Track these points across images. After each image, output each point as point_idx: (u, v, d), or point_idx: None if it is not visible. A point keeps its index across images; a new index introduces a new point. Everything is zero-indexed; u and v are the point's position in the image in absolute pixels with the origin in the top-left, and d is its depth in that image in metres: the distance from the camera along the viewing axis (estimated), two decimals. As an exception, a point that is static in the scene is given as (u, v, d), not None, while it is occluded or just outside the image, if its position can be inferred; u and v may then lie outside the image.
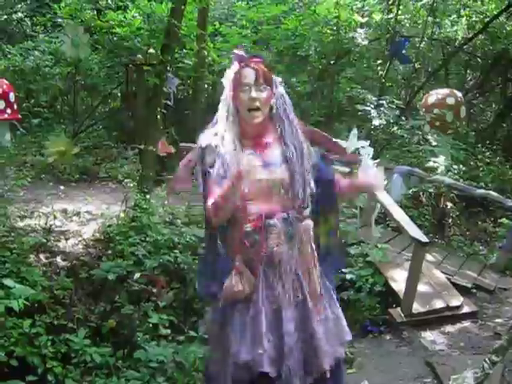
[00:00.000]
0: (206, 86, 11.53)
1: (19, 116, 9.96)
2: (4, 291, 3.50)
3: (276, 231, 2.45)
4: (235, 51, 2.59)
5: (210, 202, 2.41)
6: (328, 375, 2.47)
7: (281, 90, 2.60)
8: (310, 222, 2.55)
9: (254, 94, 2.45)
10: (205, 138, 2.53)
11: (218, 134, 2.50)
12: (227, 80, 2.57)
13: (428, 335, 4.99)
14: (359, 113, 9.61)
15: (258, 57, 2.60)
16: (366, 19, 11.15)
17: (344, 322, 2.63)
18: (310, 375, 2.46)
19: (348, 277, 5.45)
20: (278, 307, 2.44)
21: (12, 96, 9.66)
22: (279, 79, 2.63)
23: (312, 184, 2.54)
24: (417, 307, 5.17)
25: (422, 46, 11.85)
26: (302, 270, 2.51)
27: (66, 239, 4.95)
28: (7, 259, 4.01)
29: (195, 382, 3.71)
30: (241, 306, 2.45)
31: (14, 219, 4.97)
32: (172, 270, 4.81)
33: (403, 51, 10.69)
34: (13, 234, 4.60)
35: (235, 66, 2.56)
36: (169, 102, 8.16)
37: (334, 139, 3.14)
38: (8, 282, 3.58)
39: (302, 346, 2.45)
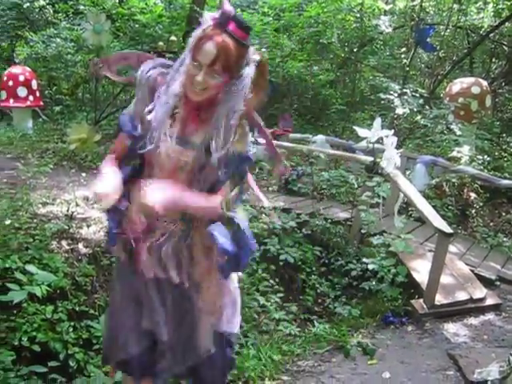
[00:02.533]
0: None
1: (41, 103, 10.07)
2: (27, 277, 3.51)
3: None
4: (224, 4, 2.06)
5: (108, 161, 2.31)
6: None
7: (250, 70, 2.11)
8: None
9: (199, 77, 2.03)
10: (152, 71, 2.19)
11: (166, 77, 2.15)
12: (193, 37, 2.09)
13: (451, 327, 4.93)
14: (382, 101, 9.51)
15: (241, 26, 2.05)
16: (390, 6, 11.05)
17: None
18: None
19: (370, 267, 5.40)
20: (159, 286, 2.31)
21: (34, 83, 9.75)
22: (256, 56, 2.14)
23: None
24: (440, 299, 5.11)
25: (446, 33, 11.71)
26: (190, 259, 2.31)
27: (88, 226, 4.95)
28: (30, 246, 4.02)
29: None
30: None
31: (37, 206, 4.98)
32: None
33: (427, 39, 10.56)
34: (35, 221, 4.61)
35: (210, 21, 2.06)
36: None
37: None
38: (31, 268, 3.59)
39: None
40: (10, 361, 3.10)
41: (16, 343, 3.21)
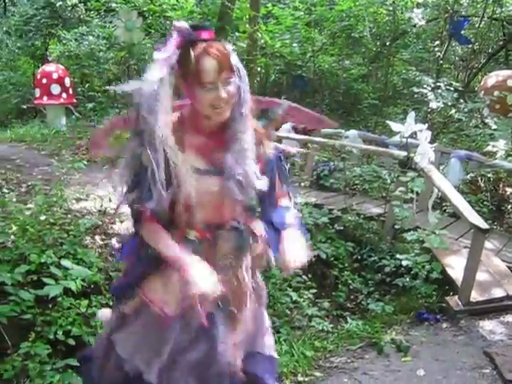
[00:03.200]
0: (258, 68, 11.47)
1: (74, 100, 10.21)
2: (62, 272, 3.55)
3: (225, 242, 2.13)
4: (175, 23, 1.94)
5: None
6: None
7: (236, 60, 2.00)
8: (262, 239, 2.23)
9: (223, 93, 1.92)
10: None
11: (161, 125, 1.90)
12: (167, 62, 1.92)
13: (487, 324, 4.83)
14: (415, 95, 9.40)
15: (209, 28, 1.96)
16: (423, -1, 10.88)
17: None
18: None
19: (404, 263, 5.34)
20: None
21: (67, 81, 9.88)
22: (230, 46, 2.02)
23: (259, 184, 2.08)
24: (475, 296, 5.02)
25: (481, 25, 11.48)
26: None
27: (121, 221, 5.00)
28: (64, 241, 4.06)
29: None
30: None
31: (71, 202, 5.04)
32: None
33: (462, 31, 10.42)
34: (69, 216, 4.67)
35: (175, 46, 1.93)
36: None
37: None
38: (66, 263, 3.63)
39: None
40: (45, 354, 3.14)
41: (51, 337, 3.25)
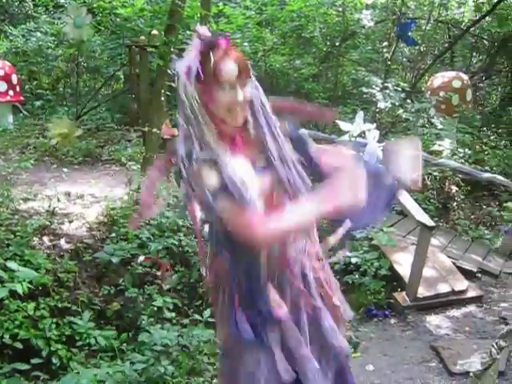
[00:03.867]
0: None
1: (22, 98, 9.97)
2: (8, 274, 3.48)
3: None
4: (198, 29, 1.99)
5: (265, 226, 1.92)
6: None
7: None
8: None
9: (240, 96, 1.95)
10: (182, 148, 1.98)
11: (197, 141, 1.95)
12: (190, 67, 1.96)
13: (433, 319, 4.98)
14: (364, 95, 9.53)
15: (227, 37, 2.01)
16: (371, 1, 11.04)
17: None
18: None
19: (353, 260, 5.43)
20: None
21: (14, 78, 9.65)
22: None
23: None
24: (422, 291, 5.15)
25: (428, 28, 11.76)
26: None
27: (70, 222, 4.93)
28: (11, 242, 3.99)
29: (200, 365, 3.71)
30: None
31: (18, 202, 4.95)
32: (176, 253, 4.78)
33: (409, 33, 10.61)
34: (16, 217, 4.58)
35: (197, 49, 1.97)
36: (173, 84, 8.09)
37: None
38: (12, 264, 3.56)
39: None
40: (-9, 358, 3.08)
41: (-2, 341, 3.19)
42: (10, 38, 12.05)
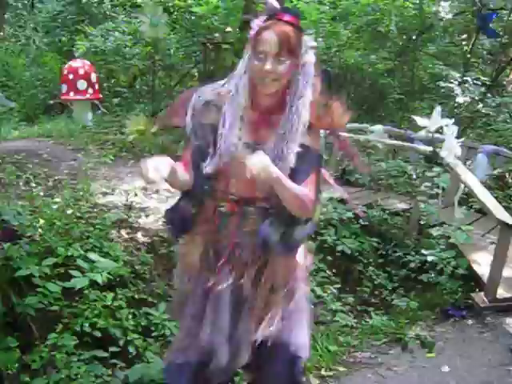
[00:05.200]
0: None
1: (100, 95, 10.29)
2: (88, 265, 3.59)
3: (251, 220, 2.20)
4: (268, 1, 2.08)
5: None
6: None
7: (310, 57, 2.12)
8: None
9: (268, 66, 2.01)
10: (208, 93, 2.18)
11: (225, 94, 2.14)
12: (250, 37, 2.11)
13: (513, 321, 4.79)
14: (442, 90, 9.31)
15: (293, 14, 2.08)
16: (450, -8, 10.73)
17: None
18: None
19: (429, 259, 5.31)
20: (240, 301, 2.24)
21: (93, 76, 9.96)
22: (312, 42, 2.14)
23: None
24: (502, 292, 4.96)
25: (510, 19, 11.28)
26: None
27: (146, 216, 5.03)
28: (91, 234, 4.11)
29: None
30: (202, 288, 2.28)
31: (97, 196, 5.10)
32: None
33: (490, 25, 10.24)
34: (95, 210, 4.72)
35: (260, 21, 2.08)
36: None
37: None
38: (92, 255, 3.68)
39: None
40: (72, 345, 3.18)
41: (78, 329, 3.30)
42: (90, 37, 12.45)
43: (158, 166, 1.98)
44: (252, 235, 2.18)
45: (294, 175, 2.10)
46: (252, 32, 2.08)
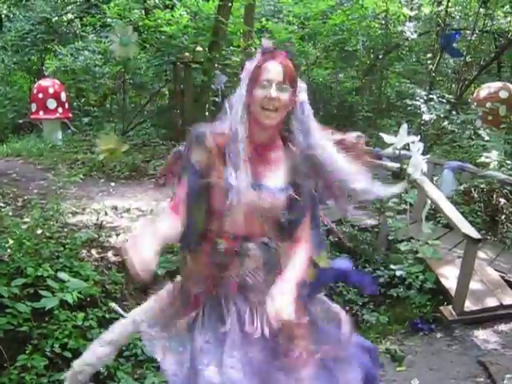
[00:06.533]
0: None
1: (70, 115, 10.26)
2: (59, 285, 3.58)
3: (253, 257, 2.14)
4: (264, 41, 2.16)
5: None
6: None
7: (304, 96, 2.18)
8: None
9: (274, 92, 2.02)
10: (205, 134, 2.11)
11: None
12: (246, 72, 2.11)
13: (480, 334, 4.87)
14: (408, 108, 9.47)
15: (287, 53, 2.15)
16: (415, 12, 11.00)
17: None
18: None
19: (398, 273, 5.38)
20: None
21: (63, 95, 9.94)
22: (303, 85, 2.20)
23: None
24: (469, 305, 5.06)
25: (473, 38, 11.59)
26: None
27: (117, 235, 5.03)
28: (61, 254, 4.10)
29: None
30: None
31: (67, 215, 5.08)
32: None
33: (454, 44, 10.51)
34: (66, 230, 4.70)
35: (258, 58, 2.11)
36: (217, 99, 8.21)
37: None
38: (62, 275, 3.66)
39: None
40: (42, 367, 3.16)
41: (48, 350, 3.28)
42: (59, 56, 12.42)
43: (144, 258, 1.86)
44: (256, 273, 2.15)
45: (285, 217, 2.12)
46: (252, 64, 2.10)
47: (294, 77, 2.09)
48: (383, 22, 10.74)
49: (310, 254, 2.18)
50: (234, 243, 2.12)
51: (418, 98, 9.20)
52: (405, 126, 5.80)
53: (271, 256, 2.15)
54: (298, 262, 2.13)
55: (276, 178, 2.10)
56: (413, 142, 5.63)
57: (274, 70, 2.05)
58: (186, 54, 9.43)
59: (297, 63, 2.14)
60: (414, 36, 10.67)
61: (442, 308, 5.13)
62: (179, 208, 2.13)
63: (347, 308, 5.50)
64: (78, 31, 14.31)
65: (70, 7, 14.45)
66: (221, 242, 2.13)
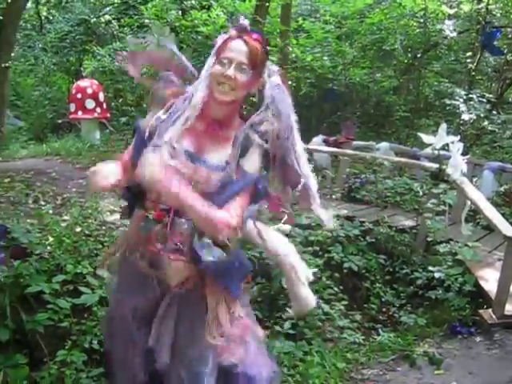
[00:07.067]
0: (289, 82, 11.51)
1: (108, 114, 10.38)
2: (98, 281, 3.62)
3: (179, 231, 2.08)
4: (241, 18, 2.11)
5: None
6: None
7: (276, 79, 2.10)
8: None
9: (230, 71, 1.99)
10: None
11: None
12: (215, 46, 2.11)
13: (522, 338, 4.77)
14: (447, 107, 9.34)
15: (260, 35, 2.10)
16: (454, 10, 10.83)
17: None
18: None
19: (436, 275, 5.29)
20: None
21: (101, 95, 10.07)
22: (276, 68, 2.15)
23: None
24: (510, 309, 4.94)
25: (514, 36, 11.38)
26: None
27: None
28: (99, 252, 4.14)
29: (280, 377, 3.71)
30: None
31: (105, 213, 5.12)
32: (257, 265, 4.82)
33: (494, 42, 10.30)
34: (104, 228, 4.75)
35: (228, 34, 2.09)
36: (254, 99, 8.20)
37: None
38: (101, 272, 3.70)
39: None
40: (81, 362, 3.19)
41: (87, 345, 3.31)
42: (98, 57, 12.59)
43: (108, 174, 2.06)
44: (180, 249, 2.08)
45: (218, 194, 2.01)
46: (219, 40, 2.10)
47: (259, 59, 2.04)
48: (422, 20, 10.60)
49: (225, 221, 1.97)
50: (164, 214, 2.08)
51: (457, 98, 9.07)
52: (444, 126, 5.72)
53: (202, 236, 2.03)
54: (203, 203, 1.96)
55: (219, 155, 2.04)
56: (452, 142, 5.55)
57: (238, 49, 2.02)
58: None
59: (267, 48, 2.10)
60: (454, 34, 10.51)
61: (481, 311, 5.03)
62: (125, 163, 2.24)
63: (384, 309, 5.47)
64: (115, 32, 14.47)
65: (107, 8, 14.63)
66: (151, 212, 2.11)
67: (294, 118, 2.09)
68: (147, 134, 2.11)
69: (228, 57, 2.01)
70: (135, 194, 2.15)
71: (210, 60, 2.09)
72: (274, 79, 2.10)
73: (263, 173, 2.10)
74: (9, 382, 3.11)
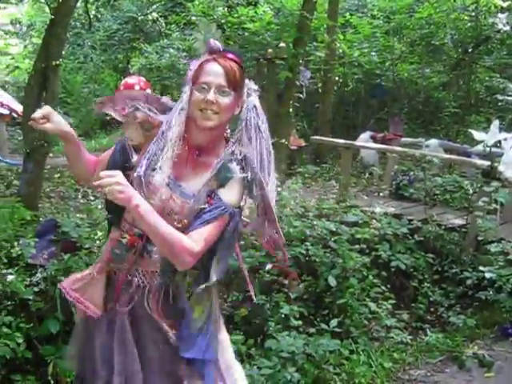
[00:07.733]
0: (336, 78, 11.43)
1: (156, 111, 10.51)
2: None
3: (153, 260, 2.01)
4: (210, 40, 2.02)
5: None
6: None
7: (254, 99, 2.03)
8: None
9: (211, 96, 1.91)
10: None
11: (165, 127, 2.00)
12: (190, 72, 2.02)
13: None
14: (499, 103, 9.11)
15: (235, 54, 2.02)
16: (507, 3, 10.51)
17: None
18: None
19: (487, 276, 5.15)
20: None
21: (149, 92, 10.19)
22: (254, 86, 2.06)
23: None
24: None
25: None
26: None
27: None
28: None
29: (325, 375, 3.69)
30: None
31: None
32: (303, 263, 4.79)
33: (550, 36, 10.00)
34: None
35: (203, 57, 2.01)
36: (301, 95, 8.19)
37: None
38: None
39: None
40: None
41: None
42: (145, 55, 12.77)
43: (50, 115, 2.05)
44: (152, 278, 2.03)
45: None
46: (192, 66, 2.01)
47: (237, 80, 1.96)
48: (473, 13, 10.34)
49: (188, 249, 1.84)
50: (138, 240, 2.03)
51: (509, 93, 8.84)
52: (496, 123, 5.60)
53: (167, 263, 1.93)
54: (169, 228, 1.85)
55: (196, 183, 1.96)
56: (505, 139, 5.42)
57: (215, 72, 1.94)
58: (270, 50, 9.44)
59: (244, 66, 2.03)
60: (507, 28, 10.22)
61: (534, 313, 4.90)
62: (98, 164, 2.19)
63: (432, 309, 5.37)
64: (162, 29, 14.65)
65: (155, 6, 14.80)
66: (125, 236, 2.05)
67: (265, 145, 2.00)
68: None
69: (206, 81, 1.94)
70: (115, 209, 2.03)
71: (186, 88, 2.00)
72: (251, 99, 2.01)
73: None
74: (58, 373, 3.18)
